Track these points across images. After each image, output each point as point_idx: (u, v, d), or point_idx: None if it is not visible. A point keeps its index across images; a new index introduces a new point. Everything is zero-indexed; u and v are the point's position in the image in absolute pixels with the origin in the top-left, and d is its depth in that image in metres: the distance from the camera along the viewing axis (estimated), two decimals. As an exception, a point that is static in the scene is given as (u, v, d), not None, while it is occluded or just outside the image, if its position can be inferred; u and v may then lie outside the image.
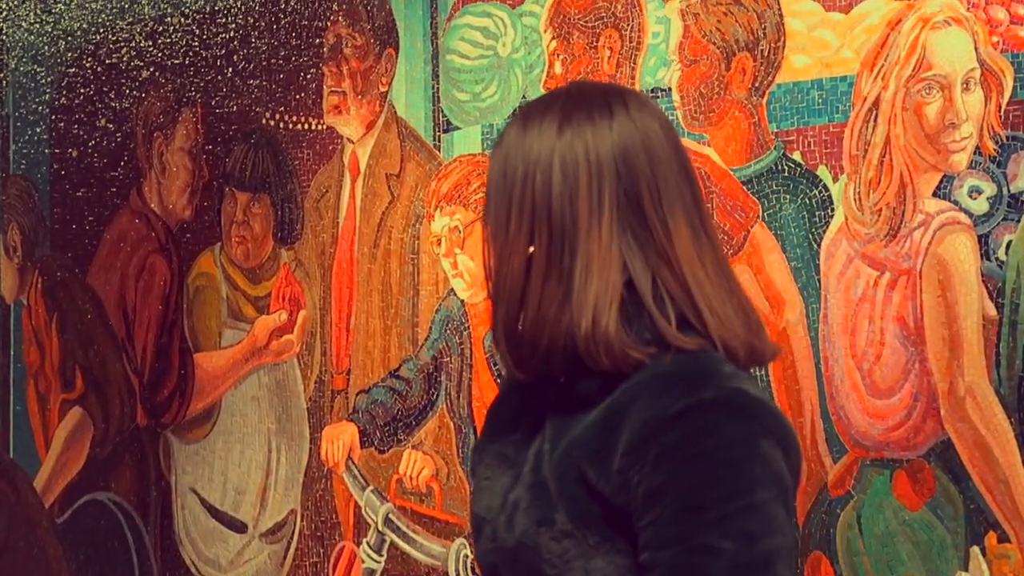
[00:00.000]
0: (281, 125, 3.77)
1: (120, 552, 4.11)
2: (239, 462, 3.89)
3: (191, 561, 4.00)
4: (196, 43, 3.92)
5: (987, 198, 2.64)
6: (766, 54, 2.94)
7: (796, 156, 2.88)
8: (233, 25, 3.86)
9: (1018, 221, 2.60)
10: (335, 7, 3.66)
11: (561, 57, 3.27)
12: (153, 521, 4.07)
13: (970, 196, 2.66)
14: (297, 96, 3.73)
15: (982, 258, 2.62)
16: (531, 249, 1.63)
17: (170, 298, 4.02)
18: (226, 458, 3.91)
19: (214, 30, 3.89)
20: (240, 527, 3.90)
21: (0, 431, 4.36)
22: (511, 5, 3.36)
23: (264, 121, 3.80)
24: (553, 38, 3.29)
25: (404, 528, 3.53)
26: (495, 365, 3.40)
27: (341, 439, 3.66)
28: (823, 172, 2.84)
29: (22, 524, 4.31)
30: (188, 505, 4.01)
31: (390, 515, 3.56)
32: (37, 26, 4.25)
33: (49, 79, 4.24)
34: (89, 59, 4.15)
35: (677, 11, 3.07)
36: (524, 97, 3.35)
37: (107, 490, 4.16)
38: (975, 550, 2.62)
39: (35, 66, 4.27)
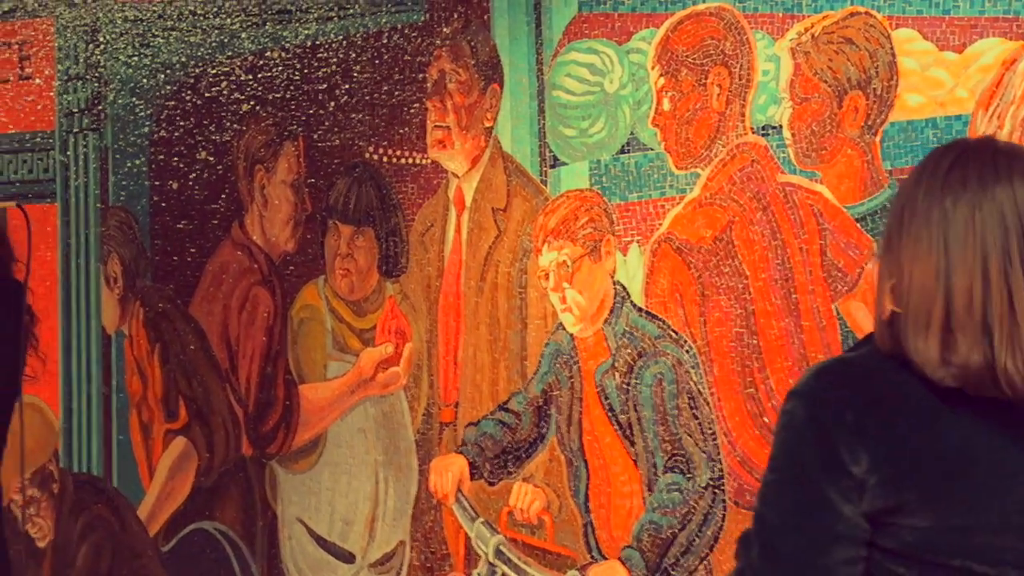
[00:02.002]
0: (384, 159, 3.90)
1: (226, 581, 4.26)
2: (346, 493, 4.03)
3: (298, 590, 4.15)
4: (297, 77, 4.06)
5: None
6: (879, 92, 3.04)
7: (911, 195, 2.98)
8: (334, 59, 3.99)
9: None
10: (438, 42, 3.79)
11: (669, 94, 3.38)
12: (260, 551, 4.21)
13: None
14: (400, 131, 3.86)
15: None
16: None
17: (273, 329, 4.17)
18: (333, 489, 4.05)
19: (315, 64, 4.03)
20: (348, 557, 4.04)
21: (103, 460, 4.52)
22: (618, 42, 3.47)
23: (367, 155, 3.93)
24: (661, 75, 3.40)
25: (515, 560, 3.65)
26: (605, 399, 3.52)
27: (450, 471, 3.79)
28: (939, 211, 2.93)
29: (126, 553, 4.47)
30: (295, 535, 4.15)
31: (501, 547, 3.69)
32: (136, 59, 4.40)
33: (148, 112, 4.39)
34: (188, 92, 4.29)
35: (787, 49, 3.18)
36: (632, 134, 3.46)
37: (212, 519, 4.30)
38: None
39: (134, 99, 4.42)
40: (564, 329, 3.59)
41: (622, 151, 3.48)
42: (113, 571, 4.50)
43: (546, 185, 3.61)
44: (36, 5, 4.65)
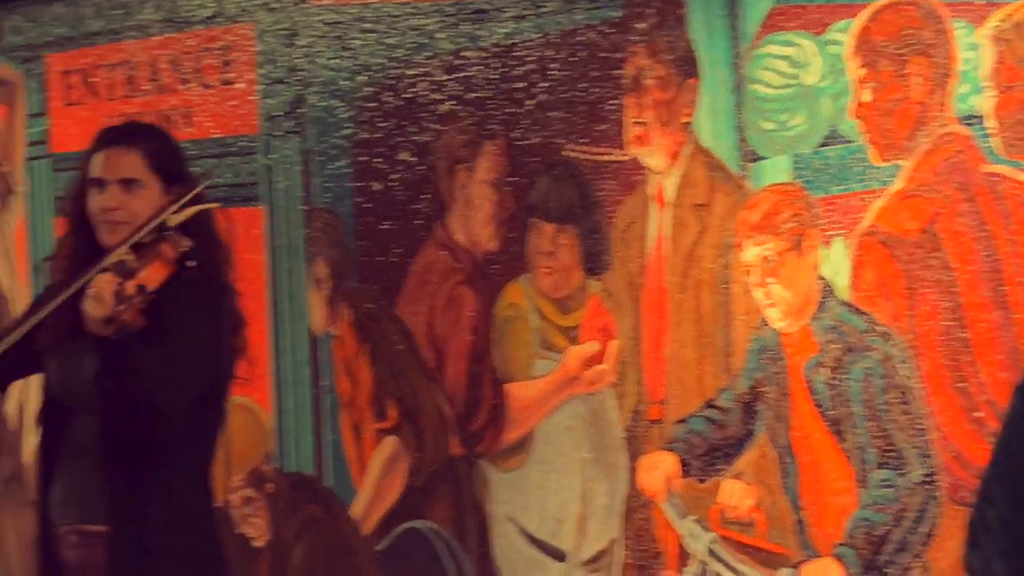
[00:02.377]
0: (583, 156, 4.03)
1: (440, 579, 4.45)
2: (556, 491, 4.18)
3: (510, 589, 4.32)
4: (495, 76, 4.21)
5: None
6: (1086, 79, 3.08)
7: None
8: (531, 58, 4.13)
9: None
10: (634, 38, 3.91)
11: (870, 85, 3.45)
12: (472, 549, 4.39)
13: None
14: (599, 127, 3.99)
15: None
16: None
17: (479, 328, 4.33)
18: (543, 487, 4.21)
19: (512, 63, 4.18)
20: (560, 555, 4.19)
21: (315, 460, 4.74)
22: (816, 33, 3.55)
23: (566, 153, 4.07)
24: (860, 66, 3.47)
25: (728, 558, 3.77)
26: (814, 395, 3.61)
27: (659, 469, 3.92)
28: None
29: (342, 552, 4.68)
30: (506, 533, 4.32)
31: (713, 544, 3.80)
32: (336, 61, 4.60)
33: (349, 114, 4.58)
34: (388, 94, 4.48)
35: (989, 37, 3.23)
36: (832, 126, 3.54)
37: (424, 518, 4.50)
38: None
39: (334, 101, 4.62)
40: (769, 325, 3.69)
41: (823, 144, 3.57)
42: (329, 570, 4.72)
43: (746, 180, 3.70)
44: (237, 10, 4.88)
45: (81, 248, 3.65)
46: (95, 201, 3.64)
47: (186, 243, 3.52)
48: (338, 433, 4.70)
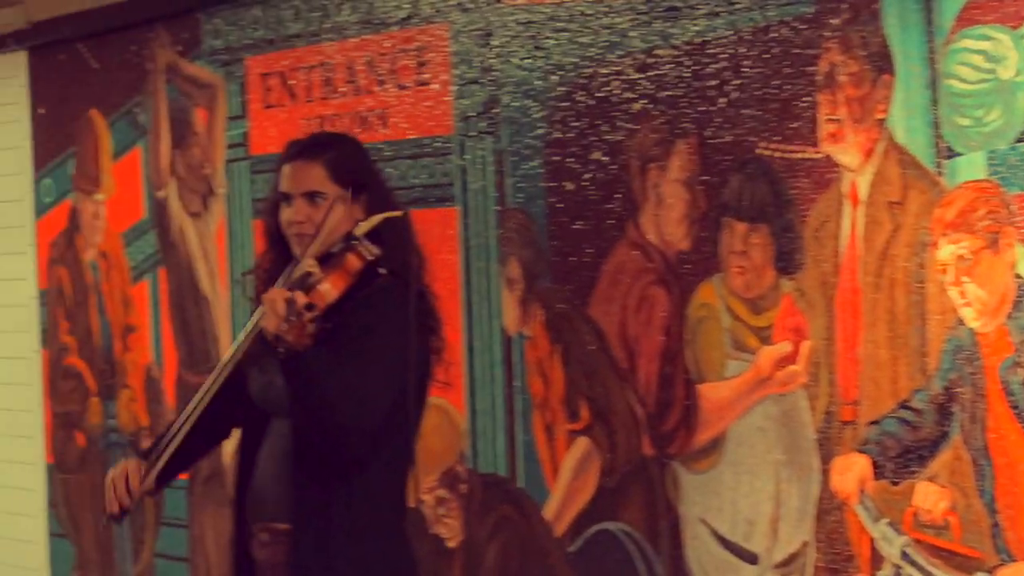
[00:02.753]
0: (776, 154, 4.12)
1: (632, 581, 4.57)
2: (748, 493, 4.28)
3: (703, 591, 4.42)
4: (688, 74, 4.33)
5: None
6: None
7: None
8: (724, 56, 4.24)
9: None
10: (827, 34, 3.99)
11: (1070, 79, 3.49)
12: (664, 551, 4.50)
13: None
14: (792, 125, 4.08)
15: None
16: None
17: (671, 329, 4.45)
18: (735, 488, 4.30)
19: (705, 61, 4.28)
20: (752, 558, 4.29)
21: (508, 461, 4.89)
22: (1012, 26, 3.60)
23: (759, 151, 4.17)
24: (1061, 58, 3.52)
25: (922, 562, 3.83)
26: (1010, 395, 3.66)
27: (852, 470, 4.00)
28: None
29: (535, 553, 4.83)
30: (698, 535, 4.42)
31: (907, 548, 3.87)
32: (529, 61, 4.75)
33: (542, 114, 4.73)
34: (581, 93, 4.62)
35: None
36: (1029, 121, 3.59)
37: (616, 520, 4.62)
38: None
39: (528, 101, 4.77)
40: (964, 324, 3.74)
41: (1019, 139, 3.61)
42: (521, 571, 4.87)
43: (941, 177, 3.76)
44: (432, 11, 5.06)
45: (278, 261, 3.85)
46: (284, 214, 3.84)
47: (375, 251, 3.69)
48: (531, 434, 4.85)
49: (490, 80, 4.89)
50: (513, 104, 4.83)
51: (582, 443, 4.72)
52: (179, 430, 3.86)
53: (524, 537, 4.87)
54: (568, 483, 4.76)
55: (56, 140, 6.71)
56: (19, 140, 6.91)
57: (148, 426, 6.32)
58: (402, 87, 5.17)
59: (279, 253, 3.87)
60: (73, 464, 6.74)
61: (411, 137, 5.12)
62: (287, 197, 3.83)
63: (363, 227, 3.72)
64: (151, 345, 6.29)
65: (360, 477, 3.73)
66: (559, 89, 4.70)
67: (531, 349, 4.83)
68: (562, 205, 4.72)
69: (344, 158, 3.82)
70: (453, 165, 5.02)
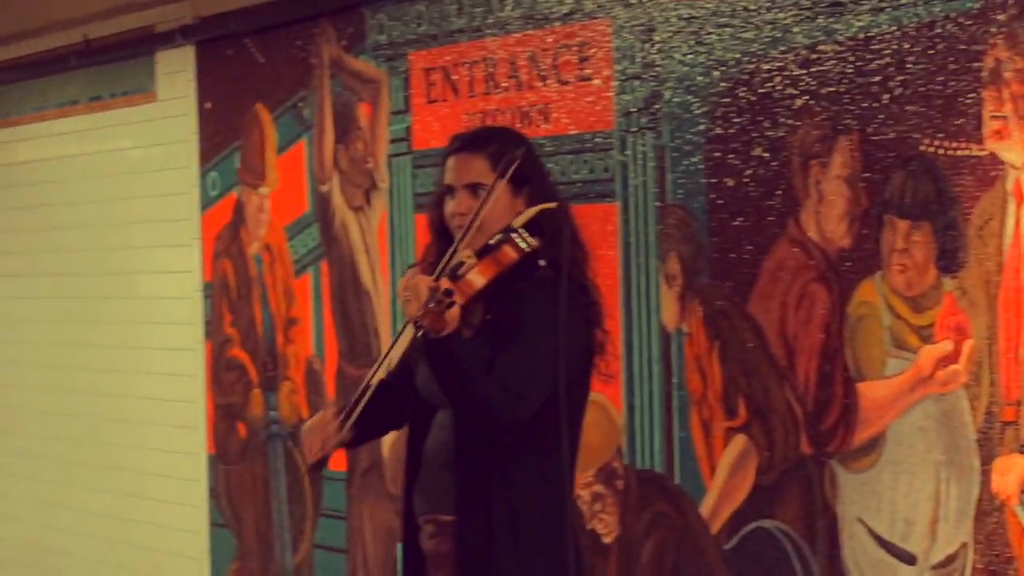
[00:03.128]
0: (940, 151, 4.15)
1: (788, 580, 4.62)
2: (907, 493, 4.31)
3: (860, 591, 4.46)
4: (850, 70, 4.37)
5: None
6: None
7: None
8: (888, 51, 4.28)
9: None
10: (993, 30, 4.02)
11: None
12: (820, 550, 4.55)
13: None
14: (956, 122, 4.10)
15: None
16: None
17: (831, 326, 4.49)
18: (894, 488, 4.34)
19: (868, 57, 4.32)
20: (909, 559, 4.32)
21: (665, 458, 4.96)
22: None
23: (922, 148, 4.20)
24: None
25: (1083, 565, 3.85)
26: None
27: (1013, 471, 4.02)
28: None
29: (691, 550, 4.89)
30: (856, 535, 4.46)
31: (1067, 551, 3.88)
32: (691, 57, 4.82)
33: (703, 109, 4.80)
34: (743, 89, 4.68)
35: None
36: None
37: (773, 518, 4.67)
38: None
39: (689, 97, 4.84)
40: None
41: None
42: (678, 568, 4.94)
43: (1108, 175, 3.78)
44: (594, 7, 5.15)
45: (442, 254, 3.96)
46: (447, 206, 3.97)
47: (533, 242, 3.79)
48: (688, 430, 4.92)
49: (652, 76, 4.97)
50: (674, 100, 4.90)
51: (740, 440, 4.77)
52: (365, 390, 4.01)
53: (680, 534, 4.94)
54: (725, 480, 4.82)
55: (222, 134, 6.90)
56: (186, 134, 7.11)
57: (308, 418, 6.47)
58: (564, 82, 5.26)
59: (443, 246, 3.99)
60: (235, 455, 6.93)
61: (572, 132, 5.21)
62: (451, 189, 3.96)
63: (520, 219, 3.83)
64: (313, 338, 6.45)
65: (519, 470, 3.83)
66: (721, 85, 4.76)
67: (689, 346, 4.89)
68: (722, 201, 4.78)
69: (507, 151, 3.93)
70: (614, 161, 5.10)
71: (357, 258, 6.20)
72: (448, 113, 5.73)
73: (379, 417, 4.17)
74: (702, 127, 4.82)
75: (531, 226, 3.83)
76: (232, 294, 6.90)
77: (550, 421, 3.81)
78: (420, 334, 3.67)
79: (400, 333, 3.85)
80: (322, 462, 4.09)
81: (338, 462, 6.32)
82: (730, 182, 4.75)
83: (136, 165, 7.47)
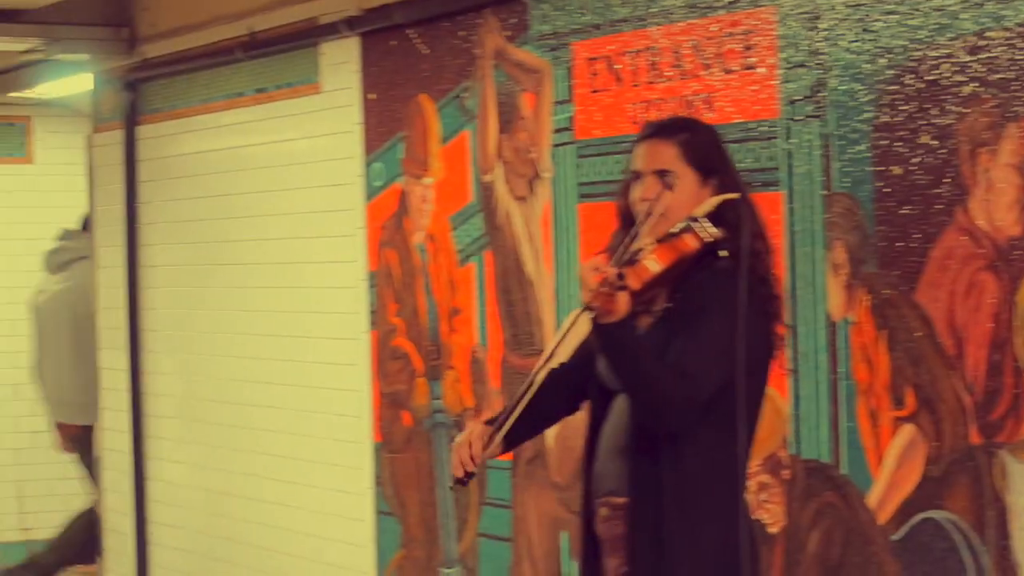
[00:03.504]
0: (1112, 138, 4.16)
1: (957, 572, 4.65)
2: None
3: (1032, 584, 4.48)
4: (1020, 56, 4.39)
5: None
6: None
7: None
8: (1058, 37, 4.29)
9: None
10: None
11: None
12: (990, 541, 4.57)
13: None
14: None
15: None
16: None
17: (1000, 316, 4.51)
18: (1065, 479, 4.36)
19: (1038, 43, 4.34)
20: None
21: (832, 447, 5.01)
22: None
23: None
24: None
25: None
26: None
27: None
28: None
29: (857, 540, 4.94)
30: (1027, 527, 4.48)
31: None
32: (857, 45, 4.86)
33: (870, 97, 4.83)
34: (910, 76, 4.71)
35: None
36: None
37: (941, 509, 4.70)
38: None
39: (855, 84, 4.87)
40: None
41: None
42: (845, 558, 4.99)
43: None
44: (758, -5, 5.21)
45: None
46: (634, 192, 4.08)
47: (714, 232, 3.89)
48: (855, 420, 4.96)
49: (817, 63, 5.01)
50: (840, 87, 4.94)
51: (907, 430, 4.81)
52: (523, 396, 4.12)
53: (847, 524, 4.99)
54: (892, 471, 4.86)
55: (386, 125, 7.05)
56: (350, 125, 7.27)
57: (473, 407, 6.61)
58: (728, 71, 5.32)
59: (629, 232, 4.09)
60: (400, 443, 7.08)
61: (736, 121, 5.26)
62: (638, 175, 4.06)
63: (702, 208, 3.95)
64: (476, 327, 6.58)
65: (692, 457, 3.93)
66: (887, 72, 4.79)
67: (856, 335, 4.93)
68: (889, 190, 4.81)
69: (698, 141, 4.07)
70: (779, 149, 5.15)
71: (520, 248, 6.31)
72: (611, 103, 5.81)
73: (539, 416, 4.29)
74: (868, 115, 4.86)
75: (714, 217, 3.93)
76: (396, 284, 7.05)
77: (725, 410, 3.92)
78: (591, 317, 3.77)
79: (572, 323, 3.96)
80: (467, 478, 4.21)
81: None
82: (897, 170, 4.78)
83: (301, 156, 7.65)
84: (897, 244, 4.80)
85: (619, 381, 3.93)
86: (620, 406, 4.08)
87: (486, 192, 6.48)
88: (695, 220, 3.92)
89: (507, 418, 4.17)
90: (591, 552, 4.19)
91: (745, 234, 3.96)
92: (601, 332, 3.82)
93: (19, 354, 11.25)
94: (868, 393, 4.91)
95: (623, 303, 3.76)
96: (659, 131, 4.12)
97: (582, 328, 3.97)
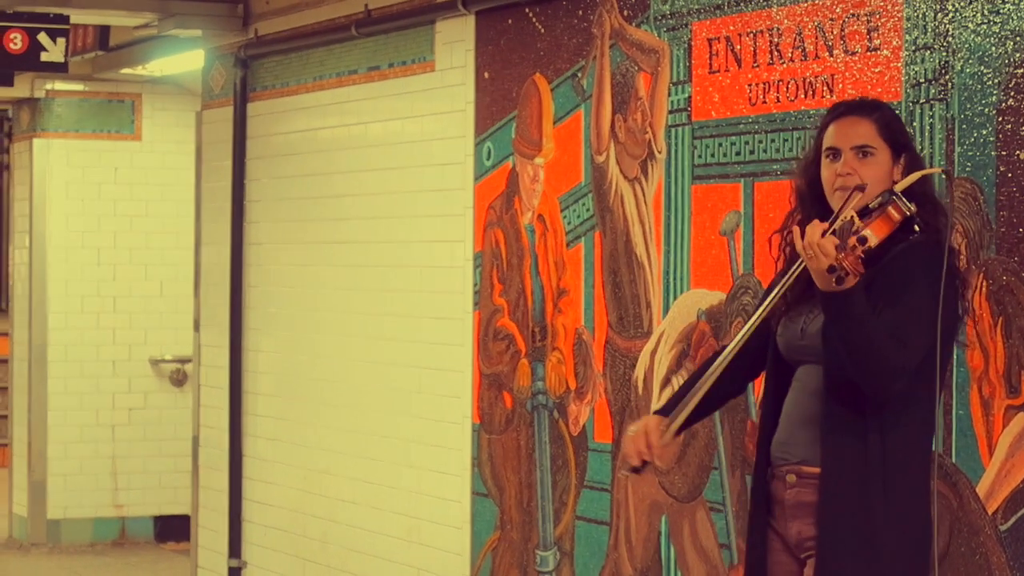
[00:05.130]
0: None
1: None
2: None
3: None
4: None
5: None
6: None
7: None
8: None
9: None
10: None
11: None
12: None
13: None
14: None
15: None
16: None
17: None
18: None
19: None
20: None
21: (944, 436, 4.99)
22: None
23: None
24: None
25: None
26: None
27: None
28: None
29: (964, 529, 4.92)
30: None
31: None
32: (984, 27, 4.84)
33: (996, 80, 4.82)
34: (1038, 59, 4.69)
35: None
36: None
37: (1053, 499, 4.68)
38: None
39: (981, 67, 4.86)
40: None
41: None
42: (952, 547, 4.96)
43: None
44: (885, -24, 5.19)
45: (807, 220, 4.17)
46: (828, 169, 4.21)
47: (912, 207, 4.03)
48: (967, 408, 4.94)
49: (943, 46, 5.00)
50: (966, 70, 4.93)
51: (1021, 419, 4.79)
52: (704, 383, 4.33)
53: (955, 513, 4.97)
54: (1004, 459, 4.84)
55: (498, 104, 7.09)
56: (462, 104, 7.32)
57: (576, 389, 6.63)
58: (851, 53, 5.32)
59: (812, 213, 4.21)
60: (499, 425, 7.11)
61: (858, 103, 5.25)
62: (835, 152, 4.17)
63: (904, 183, 4.15)
64: (582, 309, 6.60)
65: (894, 428, 4.09)
66: (1015, 55, 4.78)
67: (971, 321, 4.91)
68: (1012, 174, 4.79)
69: (891, 119, 4.30)
70: (901, 132, 5.13)
71: (631, 229, 6.33)
72: (730, 84, 5.82)
73: (711, 400, 4.46)
74: (994, 98, 4.85)
75: (907, 192, 4.04)
76: (503, 264, 7.08)
77: (922, 383, 4.10)
78: (834, 281, 3.91)
79: (766, 305, 4.17)
80: (643, 466, 4.41)
81: (603, 434, 6.47)
82: (1021, 155, 4.76)
83: (411, 135, 7.71)
84: (1018, 230, 4.78)
85: (843, 347, 4.02)
86: (806, 377, 4.21)
87: (598, 173, 6.50)
88: (894, 195, 4.04)
89: (683, 410, 4.34)
90: (763, 515, 4.32)
91: (940, 211, 4.14)
92: (836, 298, 3.95)
93: (122, 331, 11.44)
94: (982, 380, 4.90)
95: (859, 265, 3.92)
96: (855, 109, 4.29)
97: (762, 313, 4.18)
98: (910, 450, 4.13)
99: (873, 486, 4.07)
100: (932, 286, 4.02)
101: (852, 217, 4.02)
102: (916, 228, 4.06)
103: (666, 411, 4.40)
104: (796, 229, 4.02)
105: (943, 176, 4.39)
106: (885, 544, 4.07)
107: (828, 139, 4.23)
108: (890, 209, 4.04)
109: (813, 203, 4.25)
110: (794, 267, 4.10)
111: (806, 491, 4.19)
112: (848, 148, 4.19)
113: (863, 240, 3.92)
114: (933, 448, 4.16)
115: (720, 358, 4.33)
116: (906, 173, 4.17)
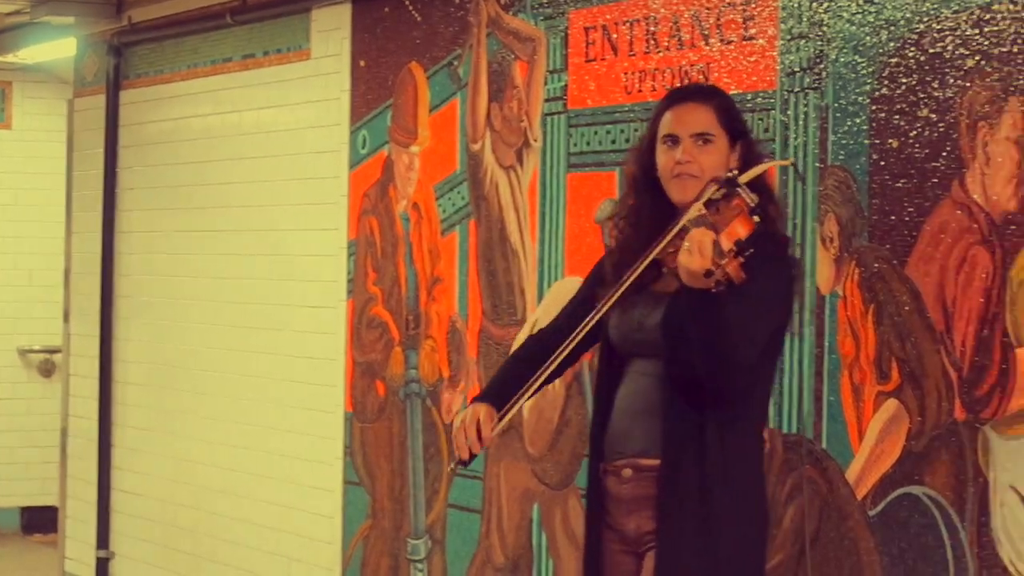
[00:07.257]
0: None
1: (934, 547, 4.62)
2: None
3: (1009, 560, 4.45)
4: (1024, 30, 4.38)
5: None
6: None
7: None
8: (1064, 10, 4.28)
9: None
10: None
11: None
12: (969, 517, 4.55)
13: None
14: None
15: None
16: None
17: (991, 291, 4.49)
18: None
19: (1044, 16, 4.33)
20: (1063, 527, 4.31)
21: (814, 421, 4.98)
22: None
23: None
24: None
25: None
26: None
27: None
28: None
29: (834, 515, 4.91)
30: (1007, 502, 4.46)
31: None
32: (859, 16, 4.84)
33: (870, 69, 4.81)
34: (912, 49, 4.69)
35: None
36: None
37: (922, 484, 4.68)
38: None
39: (855, 56, 4.85)
40: None
41: None
42: (822, 532, 4.95)
43: None
44: (761, -33, 5.17)
45: (643, 207, 4.11)
46: (665, 157, 4.11)
47: (755, 198, 3.95)
48: (838, 394, 4.93)
49: (818, 35, 4.99)
50: (840, 60, 4.92)
51: (891, 405, 4.78)
52: (539, 377, 4.23)
53: (825, 498, 4.95)
54: (873, 445, 4.83)
55: (374, 92, 7.00)
56: (337, 92, 7.23)
57: (449, 377, 6.56)
58: (727, 42, 5.30)
59: (645, 199, 4.13)
60: (372, 413, 7.03)
61: (733, 92, 5.22)
62: (674, 139, 4.07)
63: (749, 174, 4.06)
64: (456, 297, 6.53)
65: (732, 420, 4.04)
66: (889, 45, 4.77)
67: (843, 308, 4.91)
68: (885, 163, 4.79)
69: (729, 105, 4.22)
70: (775, 121, 5.12)
71: (506, 217, 6.27)
72: (606, 72, 5.78)
73: (543, 385, 4.37)
74: (868, 87, 4.84)
75: (748, 182, 4.00)
76: (377, 252, 7.00)
77: (762, 372, 4.09)
78: (713, 285, 3.80)
79: (612, 298, 4.06)
80: (472, 459, 4.27)
81: (477, 422, 6.39)
82: (894, 143, 4.76)
83: (286, 123, 7.60)
84: (890, 218, 4.77)
85: (699, 343, 3.90)
86: (640, 370, 4.12)
87: (473, 161, 6.44)
88: (738, 186, 3.96)
89: (516, 402, 4.23)
90: (599, 510, 4.22)
91: (782, 201, 4.26)
92: (706, 295, 3.83)
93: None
94: (853, 367, 4.89)
95: (740, 271, 3.82)
96: (694, 95, 4.21)
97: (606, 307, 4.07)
98: (748, 440, 4.09)
99: (712, 477, 4.00)
100: (771, 279, 3.97)
101: (703, 213, 3.92)
102: (756, 219, 3.94)
103: (491, 398, 4.27)
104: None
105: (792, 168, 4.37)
106: (724, 534, 4.01)
107: (665, 126, 4.14)
108: (736, 202, 3.93)
109: (647, 189, 4.17)
110: (645, 257, 4.01)
111: (644, 484, 4.10)
112: (687, 135, 4.10)
113: (740, 243, 3.82)
114: (766, 438, 4.18)
115: (557, 352, 4.19)
116: (743, 160, 4.11)
